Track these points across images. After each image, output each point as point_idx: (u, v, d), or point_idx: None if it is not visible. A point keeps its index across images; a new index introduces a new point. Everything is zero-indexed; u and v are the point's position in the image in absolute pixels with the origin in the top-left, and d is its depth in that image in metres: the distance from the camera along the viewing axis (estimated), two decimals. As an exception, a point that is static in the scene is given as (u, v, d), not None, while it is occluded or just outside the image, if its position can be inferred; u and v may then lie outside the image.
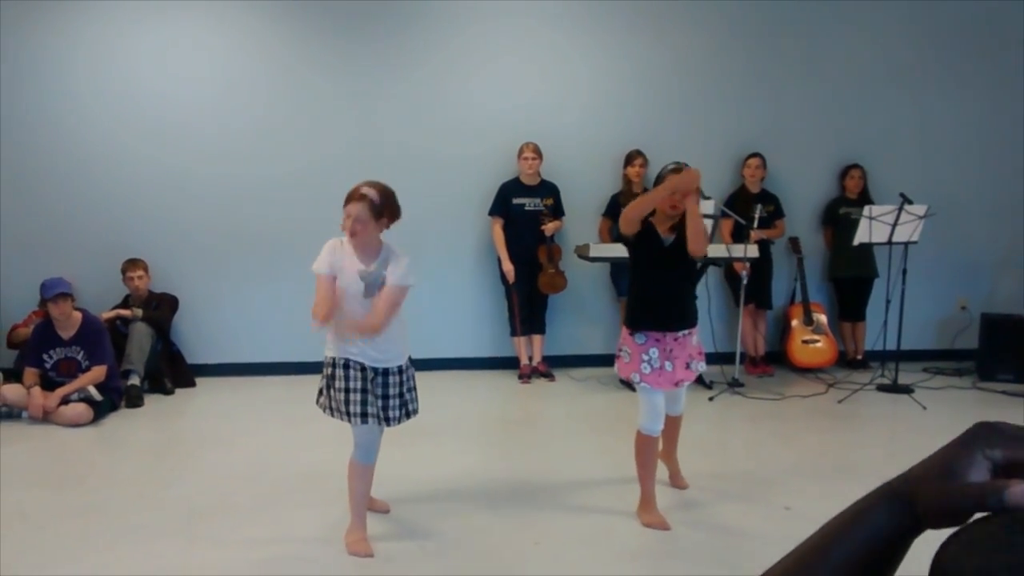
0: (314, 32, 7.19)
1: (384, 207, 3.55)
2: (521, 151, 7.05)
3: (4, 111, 6.88)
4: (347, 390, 3.52)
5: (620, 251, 6.41)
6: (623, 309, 7.17)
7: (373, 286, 3.54)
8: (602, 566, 3.45)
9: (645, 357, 3.85)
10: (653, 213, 3.89)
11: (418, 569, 3.43)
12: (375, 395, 3.55)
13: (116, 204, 7.06)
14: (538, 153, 7.05)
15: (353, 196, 3.50)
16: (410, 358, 3.75)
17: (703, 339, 4.20)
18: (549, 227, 6.98)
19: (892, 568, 0.72)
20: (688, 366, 3.96)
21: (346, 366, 3.53)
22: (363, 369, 3.54)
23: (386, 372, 3.60)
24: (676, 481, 4.46)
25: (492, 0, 7.35)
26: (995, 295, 8.20)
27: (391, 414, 3.60)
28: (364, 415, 3.51)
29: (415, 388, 3.77)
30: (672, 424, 4.26)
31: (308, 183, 7.04)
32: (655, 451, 3.97)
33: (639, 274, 4.00)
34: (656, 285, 3.93)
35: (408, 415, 3.70)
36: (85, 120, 6.98)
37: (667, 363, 3.85)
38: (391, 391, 3.60)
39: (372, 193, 3.50)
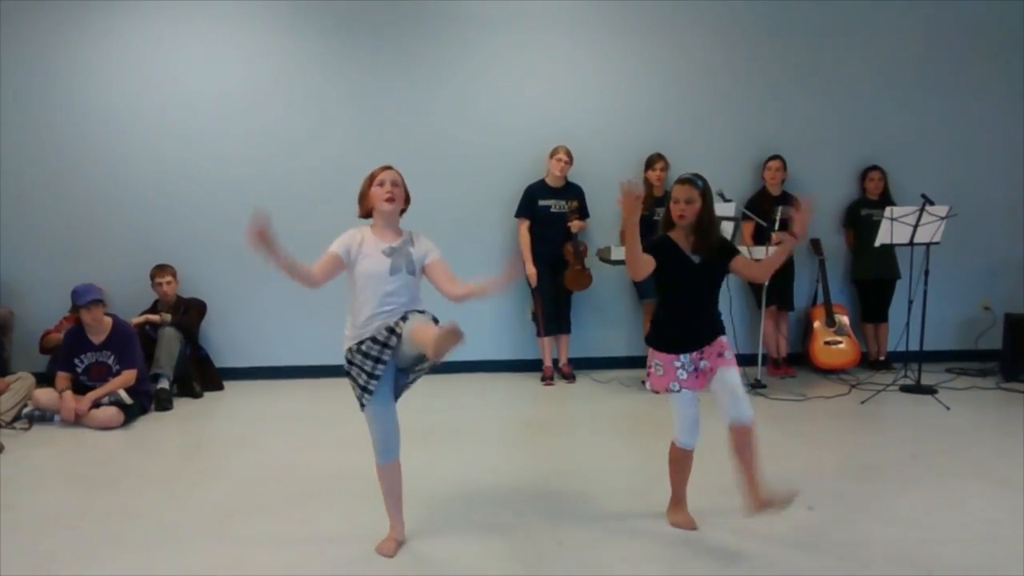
0: (343, 36, 7.29)
1: (404, 187, 3.70)
2: (554, 152, 7.11)
3: (36, 118, 7.01)
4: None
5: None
6: (646, 312, 7.22)
7: (400, 261, 3.54)
8: (626, 566, 3.48)
9: (678, 363, 3.74)
10: (671, 227, 3.77)
11: (443, 569, 3.47)
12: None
13: (145, 210, 7.17)
14: (570, 156, 7.11)
15: (382, 168, 3.67)
16: None
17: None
18: (576, 224, 7.02)
19: None
20: (722, 355, 3.74)
21: None
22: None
23: None
24: (759, 503, 3.59)
25: (519, 5, 7.40)
26: (1018, 295, 8.17)
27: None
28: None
29: None
30: (742, 439, 3.63)
31: (334, 187, 7.09)
32: (687, 462, 3.88)
33: (667, 297, 3.82)
34: (685, 307, 3.77)
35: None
36: (114, 127, 7.10)
37: (702, 361, 3.75)
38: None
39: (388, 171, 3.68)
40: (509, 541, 3.76)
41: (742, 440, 3.63)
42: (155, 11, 7.06)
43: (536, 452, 5.26)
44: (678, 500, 3.96)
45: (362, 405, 3.53)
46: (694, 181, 3.69)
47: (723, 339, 3.78)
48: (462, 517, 4.06)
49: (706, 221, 3.71)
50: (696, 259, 3.73)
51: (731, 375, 3.70)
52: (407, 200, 3.72)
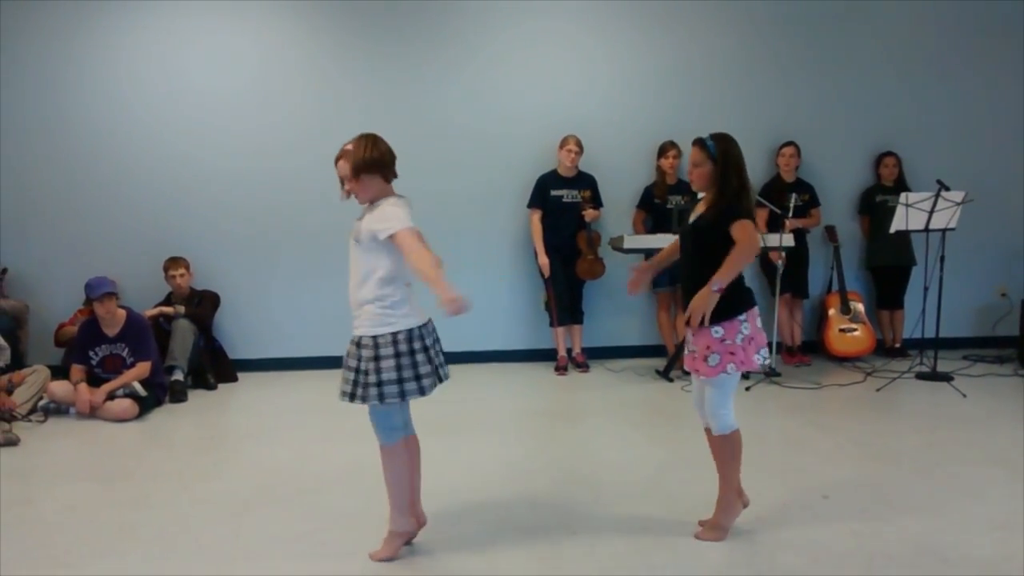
0: (354, 29, 7.28)
1: (363, 162, 3.35)
2: (564, 142, 7.08)
3: (48, 114, 7.02)
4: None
5: (654, 242, 6.46)
6: (660, 301, 7.20)
7: (359, 237, 3.38)
8: (640, 557, 3.48)
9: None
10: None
11: (457, 560, 3.47)
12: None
13: (157, 203, 7.18)
14: (580, 146, 7.08)
15: (338, 156, 3.43)
16: (376, 339, 3.35)
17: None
18: (590, 213, 7.01)
19: None
20: (705, 359, 3.56)
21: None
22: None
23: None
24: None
25: (526, -4, 7.39)
26: (1036, 281, 8.11)
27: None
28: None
29: (367, 373, 3.35)
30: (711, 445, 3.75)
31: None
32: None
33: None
34: (681, 271, 3.76)
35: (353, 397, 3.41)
36: (126, 120, 7.11)
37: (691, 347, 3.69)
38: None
39: (349, 148, 3.39)
40: (522, 532, 3.76)
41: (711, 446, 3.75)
42: (168, 6, 7.05)
43: (550, 442, 5.26)
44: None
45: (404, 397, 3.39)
46: (703, 142, 3.56)
47: (712, 332, 3.53)
48: (476, 507, 4.06)
49: (719, 186, 3.55)
50: (691, 220, 3.67)
51: (706, 390, 3.65)
52: (379, 165, 3.38)
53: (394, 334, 3.34)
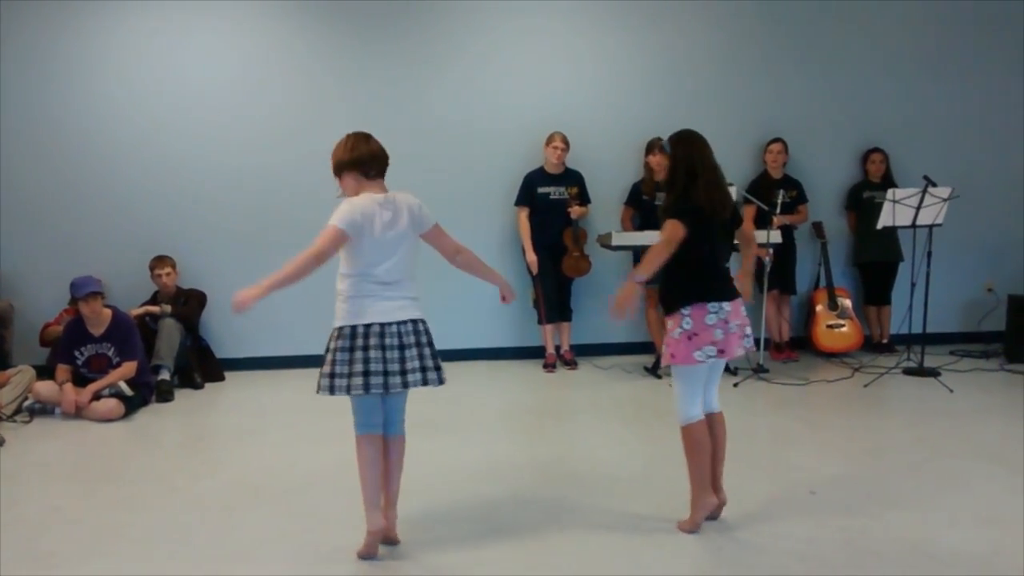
0: (340, 24, 7.26)
1: (337, 163, 3.58)
2: (550, 139, 7.08)
3: (34, 111, 6.97)
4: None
5: (642, 239, 6.46)
6: (648, 297, 7.19)
7: None
8: (628, 553, 3.48)
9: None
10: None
11: (444, 557, 3.46)
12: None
13: (143, 202, 7.14)
14: (566, 143, 7.07)
15: None
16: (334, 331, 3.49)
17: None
18: (576, 210, 7.00)
19: None
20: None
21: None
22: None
23: None
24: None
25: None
26: (1022, 276, 8.13)
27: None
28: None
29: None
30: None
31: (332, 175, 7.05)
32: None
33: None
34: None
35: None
36: (111, 119, 7.07)
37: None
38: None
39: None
40: (510, 529, 3.75)
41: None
42: (156, 5, 7.00)
43: (538, 439, 5.25)
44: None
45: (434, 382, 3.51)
46: (663, 141, 3.81)
47: (668, 323, 3.69)
48: (463, 505, 4.06)
49: (668, 184, 3.76)
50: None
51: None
52: (348, 164, 3.57)
53: (339, 328, 3.44)
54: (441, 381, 3.53)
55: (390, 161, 3.60)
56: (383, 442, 3.53)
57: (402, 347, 3.41)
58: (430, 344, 3.52)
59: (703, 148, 3.71)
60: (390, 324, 3.41)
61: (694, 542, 3.57)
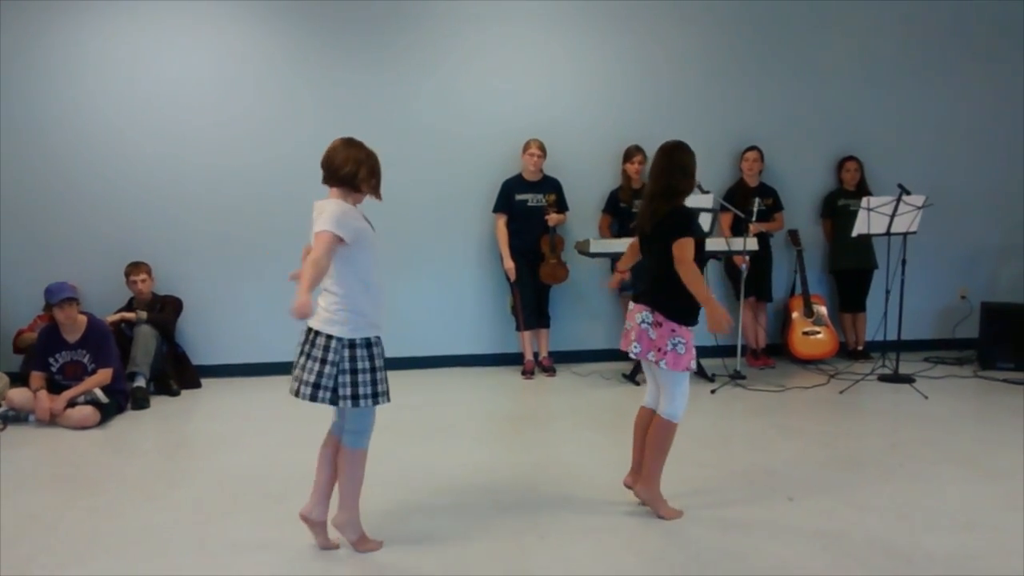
0: (317, 32, 7.20)
1: (364, 176, 3.70)
2: (526, 147, 7.09)
3: (6, 113, 6.89)
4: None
5: (620, 246, 6.47)
6: (625, 305, 7.21)
7: None
8: (607, 559, 3.48)
9: (694, 341, 3.96)
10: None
11: (424, 565, 3.46)
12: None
13: (118, 208, 7.08)
14: (543, 150, 7.09)
15: None
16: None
17: (704, 332, 4.07)
18: (553, 217, 7.02)
19: None
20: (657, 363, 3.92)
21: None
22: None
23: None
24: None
25: (492, 1, 7.37)
26: (995, 283, 8.25)
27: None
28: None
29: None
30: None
31: (312, 183, 7.00)
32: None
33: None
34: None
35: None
36: (87, 124, 7.00)
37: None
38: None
39: None
40: (491, 536, 3.75)
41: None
42: (131, 7, 6.95)
43: (517, 446, 5.24)
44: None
45: (377, 401, 3.51)
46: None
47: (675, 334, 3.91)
48: (442, 511, 4.05)
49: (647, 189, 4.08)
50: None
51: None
52: (336, 179, 3.77)
53: (364, 338, 3.55)
54: (300, 393, 3.68)
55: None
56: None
57: (303, 354, 3.63)
58: (305, 353, 3.63)
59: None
60: (308, 331, 3.61)
61: (672, 548, 3.58)
